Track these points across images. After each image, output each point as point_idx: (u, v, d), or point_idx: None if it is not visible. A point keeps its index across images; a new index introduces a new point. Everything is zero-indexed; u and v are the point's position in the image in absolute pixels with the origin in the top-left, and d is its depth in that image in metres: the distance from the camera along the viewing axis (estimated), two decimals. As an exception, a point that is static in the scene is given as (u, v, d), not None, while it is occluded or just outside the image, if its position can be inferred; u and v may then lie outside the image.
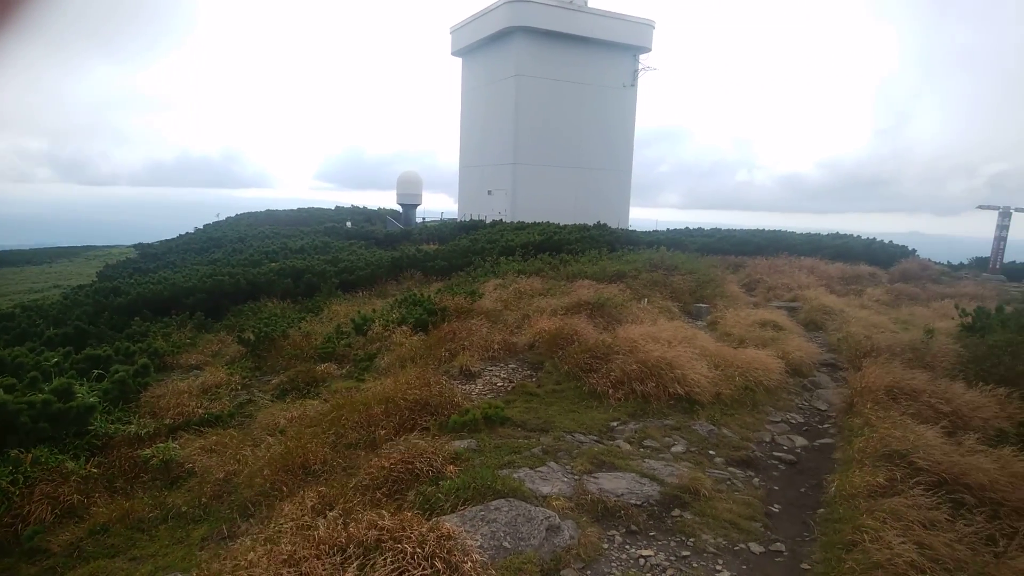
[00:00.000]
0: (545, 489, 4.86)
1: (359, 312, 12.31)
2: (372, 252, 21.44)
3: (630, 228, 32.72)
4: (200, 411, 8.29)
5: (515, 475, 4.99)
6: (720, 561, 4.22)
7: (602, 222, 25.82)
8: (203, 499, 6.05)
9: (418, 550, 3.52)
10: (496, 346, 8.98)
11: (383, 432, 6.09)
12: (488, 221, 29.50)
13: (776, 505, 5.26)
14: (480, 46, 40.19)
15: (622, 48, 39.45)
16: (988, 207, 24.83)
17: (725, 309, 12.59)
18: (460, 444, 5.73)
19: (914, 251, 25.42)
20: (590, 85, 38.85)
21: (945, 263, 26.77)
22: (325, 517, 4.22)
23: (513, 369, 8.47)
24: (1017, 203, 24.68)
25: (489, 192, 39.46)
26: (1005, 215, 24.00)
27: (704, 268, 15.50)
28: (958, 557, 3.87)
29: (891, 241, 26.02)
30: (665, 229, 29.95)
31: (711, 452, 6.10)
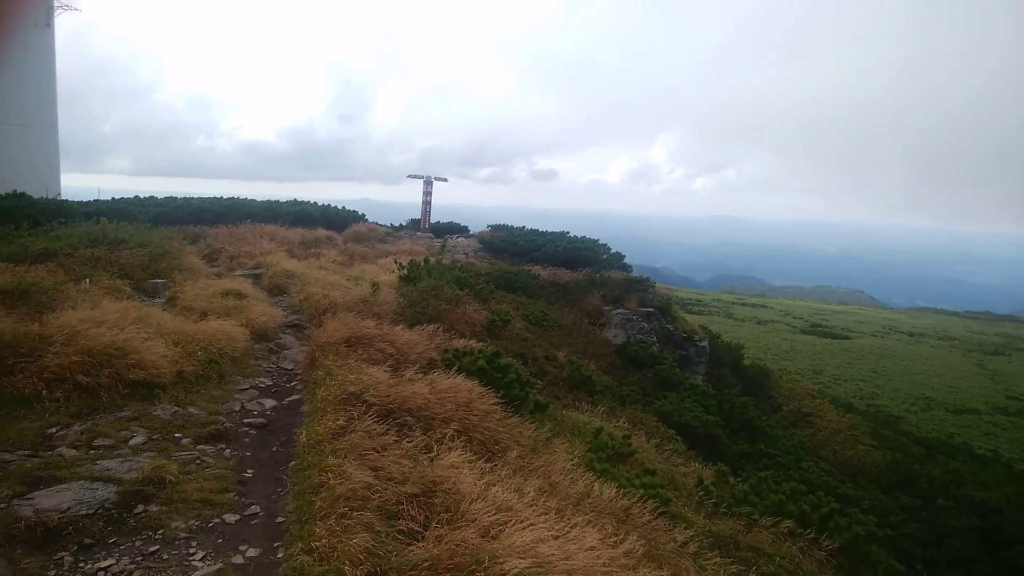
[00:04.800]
0: (-55, 537, 3.83)
1: None
2: None
3: (62, 198, 27.61)
4: None
5: None
6: (194, 543, 4.13)
7: (20, 191, 21.04)
8: None
9: None
10: None
11: None
12: None
13: (250, 470, 5.40)
14: None
15: (24, -27, 32.22)
16: (416, 176, 30.23)
17: (185, 283, 12.02)
18: None
19: (364, 216, 29.07)
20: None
21: (389, 225, 31.54)
22: None
23: None
24: (438, 172, 30.83)
25: None
26: (428, 183, 29.65)
27: (158, 240, 14.34)
28: (404, 470, 4.70)
29: (344, 207, 29.11)
30: (111, 198, 26.42)
31: (177, 435, 5.82)
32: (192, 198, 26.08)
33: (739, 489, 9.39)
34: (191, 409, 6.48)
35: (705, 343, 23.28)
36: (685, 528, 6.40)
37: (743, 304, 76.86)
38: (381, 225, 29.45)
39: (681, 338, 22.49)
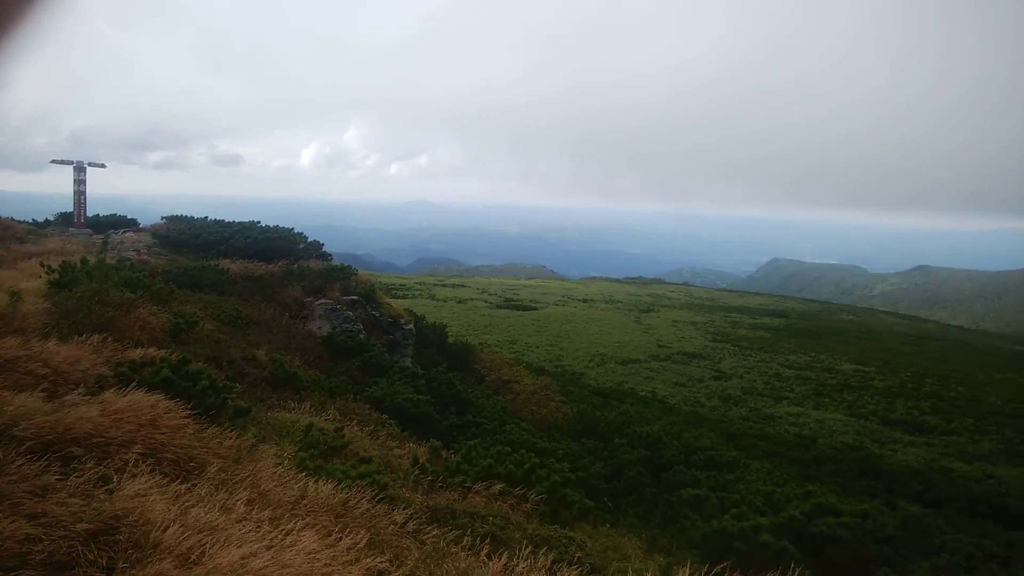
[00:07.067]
0: None
1: None
2: None
3: None
4: None
5: None
6: None
7: None
8: None
9: None
10: None
11: None
12: None
13: None
14: None
15: None
16: (63, 161, 25.63)
17: None
18: None
19: (-8, 211, 23.84)
20: None
21: (31, 221, 26.36)
22: None
23: None
24: (94, 157, 26.53)
25: None
26: (80, 169, 25.33)
27: None
28: (74, 510, 4.01)
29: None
30: None
31: None
32: None
33: (452, 461, 9.91)
34: None
35: (411, 326, 23.96)
36: (404, 508, 6.55)
37: (444, 285, 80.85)
38: (19, 221, 24.49)
39: (387, 323, 22.83)
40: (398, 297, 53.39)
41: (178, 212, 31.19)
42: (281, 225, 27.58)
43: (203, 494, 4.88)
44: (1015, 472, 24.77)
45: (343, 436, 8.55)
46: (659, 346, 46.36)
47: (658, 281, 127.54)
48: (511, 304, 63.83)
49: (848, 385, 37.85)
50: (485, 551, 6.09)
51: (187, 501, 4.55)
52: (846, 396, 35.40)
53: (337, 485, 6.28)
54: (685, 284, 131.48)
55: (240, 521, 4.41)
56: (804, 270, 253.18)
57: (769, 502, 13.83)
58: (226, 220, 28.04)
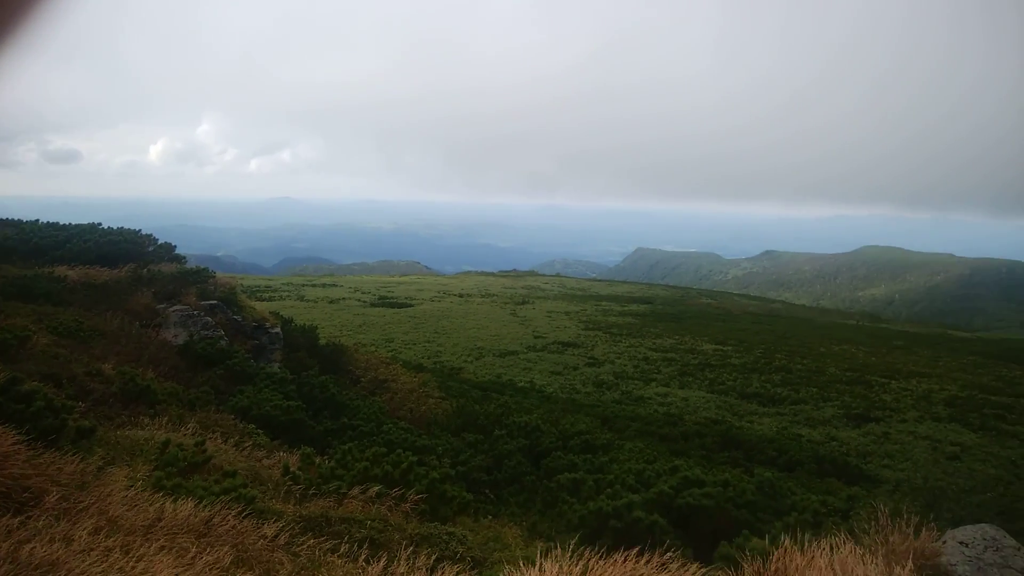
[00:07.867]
0: None
1: None
2: None
3: None
4: None
5: None
6: None
7: None
8: None
9: None
10: None
11: None
12: None
13: None
14: None
15: None
16: None
17: None
18: None
19: None
20: None
21: None
22: None
23: None
24: None
25: None
26: None
27: None
28: None
29: None
30: None
31: None
32: None
33: (326, 467, 9.58)
34: None
35: (278, 329, 22.94)
36: (274, 521, 6.26)
37: (314, 285, 78.17)
38: None
39: (252, 328, 21.72)
40: (264, 300, 51.01)
41: (4, 216, 27.95)
42: (128, 227, 25.46)
43: (40, 527, 4.44)
44: (853, 433, 27.63)
45: (204, 451, 8.03)
46: (535, 337, 47.36)
47: (532, 273, 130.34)
48: (386, 302, 62.80)
49: (709, 364, 40.53)
50: (363, 556, 5.94)
51: (20, 536, 4.12)
52: (707, 374, 37.88)
53: (199, 503, 5.89)
54: (557, 275, 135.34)
55: (84, 552, 4.05)
56: (666, 258, 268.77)
57: (641, 479, 14.49)
58: (61, 223, 25.47)
